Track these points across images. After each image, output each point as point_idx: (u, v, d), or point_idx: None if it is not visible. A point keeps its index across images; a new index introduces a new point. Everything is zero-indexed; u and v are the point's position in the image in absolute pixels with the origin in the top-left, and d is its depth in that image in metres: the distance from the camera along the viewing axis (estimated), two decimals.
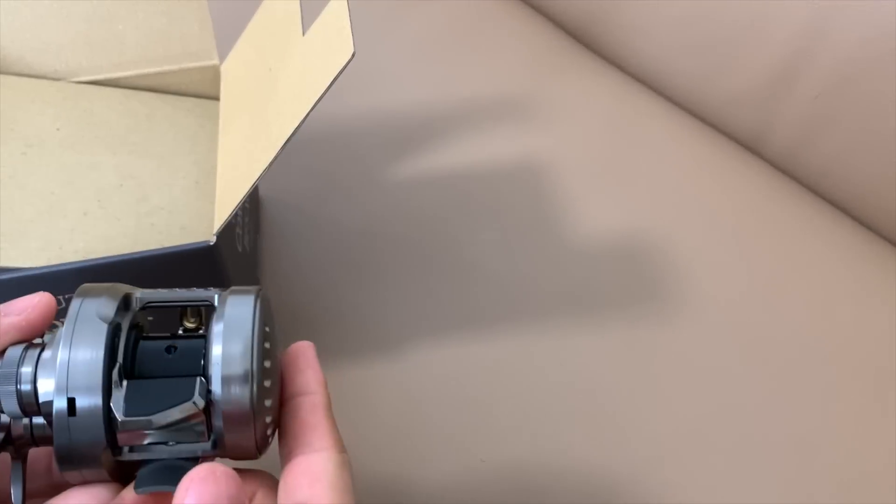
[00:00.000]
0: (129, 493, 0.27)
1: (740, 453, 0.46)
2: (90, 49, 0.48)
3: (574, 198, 0.56)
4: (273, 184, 0.54)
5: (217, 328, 0.28)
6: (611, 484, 0.45)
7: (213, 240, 0.40)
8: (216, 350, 0.27)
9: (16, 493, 0.28)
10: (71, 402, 0.26)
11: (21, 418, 0.27)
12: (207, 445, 0.28)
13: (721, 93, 0.60)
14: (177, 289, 0.30)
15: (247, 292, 0.29)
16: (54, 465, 0.30)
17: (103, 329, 0.27)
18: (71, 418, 0.26)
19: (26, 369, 0.27)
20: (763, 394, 0.48)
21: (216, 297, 0.29)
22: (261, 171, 0.38)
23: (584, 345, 0.50)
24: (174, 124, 0.48)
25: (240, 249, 0.46)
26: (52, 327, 0.30)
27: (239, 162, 0.42)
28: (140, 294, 0.29)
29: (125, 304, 0.28)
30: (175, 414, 0.26)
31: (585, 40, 0.67)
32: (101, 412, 0.26)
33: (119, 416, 0.26)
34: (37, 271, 0.39)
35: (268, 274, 0.52)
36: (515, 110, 0.61)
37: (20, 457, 0.28)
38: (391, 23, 0.65)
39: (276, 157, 0.37)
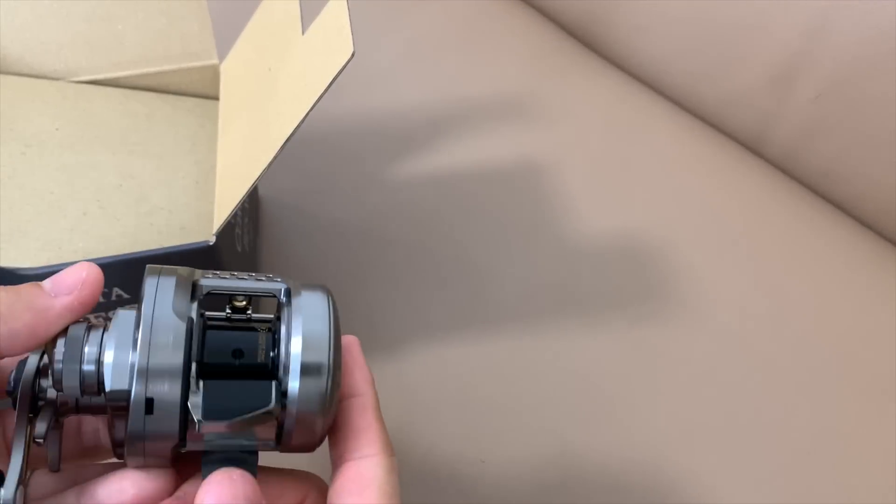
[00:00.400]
0: (190, 486, 0.28)
1: (741, 453, 0.46)
2: (90, 49, 0.48)
3: (574, 198, 0.56)
4: (273, 184, 0.54)
5: (295, 326, 0.28)
6: (611, 483, 0.45)
7: (213, 240, 0.40)
8: (295, 350, 0.27)
9: (52, 456, 0.28)
10: (149, 402, 0.26)
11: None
12: (272, 442, 0.28)
13: (721, 93, 0.60)
14: (237, 273, 0.30)
15: (319, 289, 0.29)
16: (84, 429, 0.31)
17: (181, 328, 0.26)
18: (147, 416, 0.26)
19: (91, 349, 0.27)
20: (763, 393, 0.48)
21: (283, 289, 0.29)
22: (260, 171, 0.38)
23: (584, 345, 0.50)
24: (174, 124, 0.48)
25: (239, 249, 0.46)
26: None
27: (238, 162, 0.42)
28: (204, 281, 0.29)
29: (193, 292, 0.28)
30: (252, 420, 0.26)
31: (586, 40, 0.67)
32: (178, 413, 0.26)
33: (197, 418, 0.26)
34: (36, 271, 0.39)
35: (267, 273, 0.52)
36: (515, 110, 0.61)
37: (59, 424, 0.28)
38: (391, 23, 0.65)
39: (275, 157, 0.37)
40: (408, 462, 0.45)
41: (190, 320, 0.27)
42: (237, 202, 0.39)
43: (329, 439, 0.30)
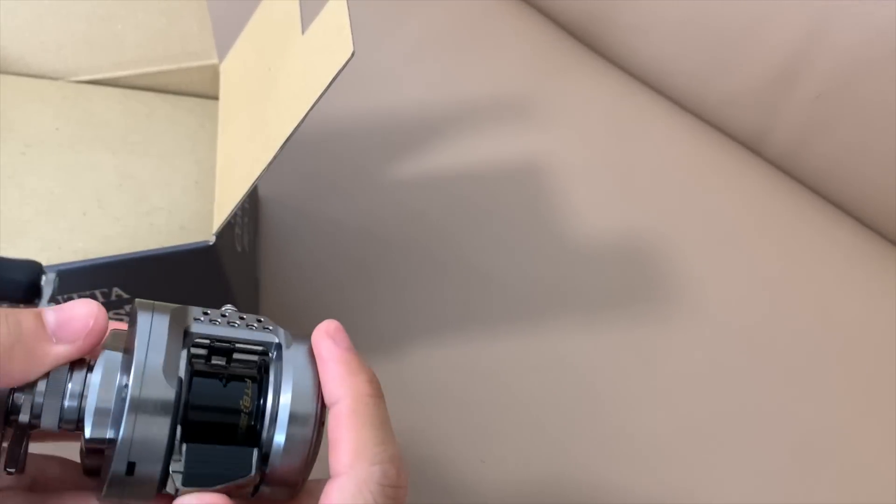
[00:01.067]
0: None
1: (741, 452, 0.46)
2: (89, 48, 0.48)
3: (574, 198, 0.56)
4: (272, 184, 0.54)
5: (285, 391, 0.27)
6: (611, 483, 0.45)
7: (213, 240, 0.40)
8: (283, 417, 0.27)
9: (14, 457, 0.27)
10: (131, 465, 0.26)
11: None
12: (248, 494, 0.28)
13: (722, 92, 0.60)
14: (229, 315, 0.29)
15: (307, 341, 0.29)
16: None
17: (170, 396, 0.26)
18: (128, 476, 0.26)
19: (74, 387, 0.27)
20: (763, 393, 0.48)
21: (274, 344, 0.29)
22: (260, 171, 0.38)
23: (584, 345, 0.50)
24: (174, 124, 0.48)
25: (239, 249, 0.46)
26: None
27: (238, 161, 0.42)
28: (196, 328, 0.28)
29: (185, 337, 0.28)
30: (230, 487, 0.26)
31: (586, 40, 0.67)
32: (158, 478, 0.26)
33: (176, 485, 0.26)
34: None
35: (267, 274, 0.52)
36: (515, 110, 0.61)
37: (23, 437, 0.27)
38: (391, 23, 0.65)
39: (275, 157, 0.37)
40: (408, 462, 0.45)
41: (179, 382, 0.26)
42: (237, 202, 0.39)
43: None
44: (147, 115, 0.48)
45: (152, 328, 0.27)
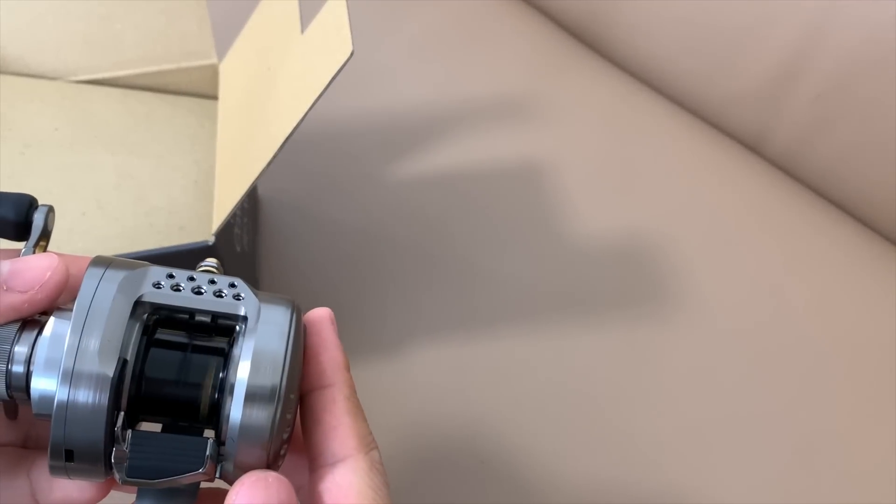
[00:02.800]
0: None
1: (741, 452, 0.46)
2: (89, 48, 0.48)
3: (574, 198, 0.56)
4: (272, 183, 0.54)
5: (246, 348, 0.24)
6: (611, 483, 0.45)
7: (212, 240, 0.40)
8: (239, 392, 0.24)
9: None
10: (69, 452, 0.24)
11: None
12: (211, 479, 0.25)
13: (722, 92, 0.60)
14: (197, 278, 0.26)
15: (282, 303, 0.26)
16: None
17: (106, 376, 0.23)
18: (69, 462, 0.24)
19: (20, 349, 0.25)
20: (763, 392, 0.48)
21: (241, 316, 0.25)
22: (259, 171, 0.38)
23: (584, 345, 0.50)
24: (173, 124, 0.48)
25: (238, 249, 0.46)
26: None
27: (238, 161, 0.42)
28: (149, 296, 0.25)
29: (135, 308, 0.25)
30: (179, 480, 0.24)
31: (586, 40, 0.66)
32: (102, 466, 0.24)
33: (119, 476, 0.24)
34: None
35: (266, 274, 0.52)
36: (515, 110, 0.61)
37: None
38: (391, 22, 0.65)
39: (274, 157, 0.37)
40: (408, 462, 0.45)
41: (122, 362, 0.24)
42: (236, 202, 0.39)
43: (303, 437, 0.27)
44: (146, 114, 0.48)
45: (97, 294, 0.24)
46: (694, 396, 0.48)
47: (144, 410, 0.25)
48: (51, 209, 0.28)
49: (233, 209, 0.39)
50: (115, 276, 0.25)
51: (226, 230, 0.41)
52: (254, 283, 0.51)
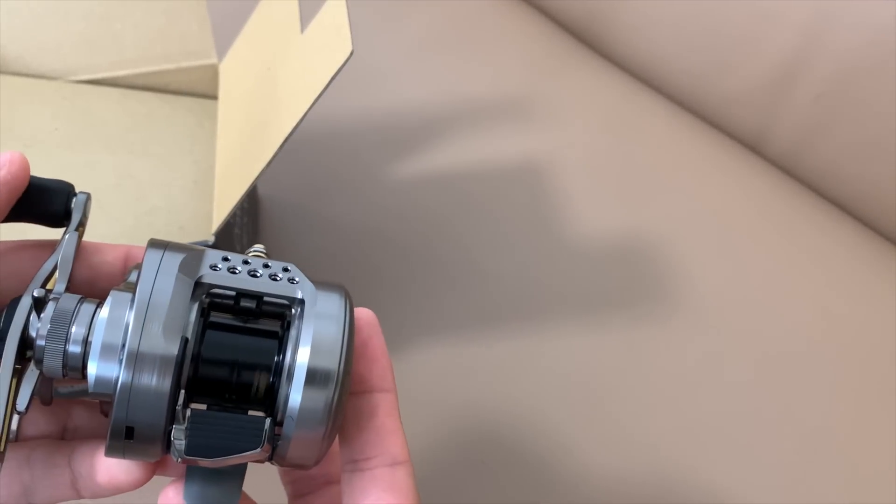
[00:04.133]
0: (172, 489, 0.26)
1: (741, 452, 0.46)
2: (88, 48, 0.48)
3: (574, 198, 0.56)
4: (272, 183, 0.54)
5: (304, 345, 0.25)
6: (611, 483, 0.45)
7: (212, 239, 0.40)
8: (299, 375, 0.24)
9: (24, 396, 0.25)
10: (129, 430, 0.24)
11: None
12: (264, 459, 0.26)
13: (722, 92, 0.60)
14: (251, 261, 0.26)
15: (336, 290, 0.26)
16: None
17: (171, 356, 0.24)
18: (128, 440, 0.24)
19: (78, 329, 0.25)
20: (763, 392, 0.48)
21: (297, 299, 0.26)
22: (259, 171, 0.38)
23: (584, 344, 0.50)
24: (173, 124, 0.48)
25: (238, 249, 0.46)
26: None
27: (237, 161, 0.42)
28: (208, 277, 0.25)
29: (194, 290, 0.25)
30: (236, 459, 0.24)
31: (586, 39, 0.66)
32: (160, 444, 0.24)
33: (178, 453, 0.24)
34: None
35: None
36: (515, 110, 0.61)
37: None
38: (391, 22, 0.65)
39: (274, 157, 0.37)
40: None
41: (184, 341, 0.24)
42: (236, 202, 0.39)
43: (343, 439, 0.27)
44: (146, 114, 0.48)
45: (158, 274, 0.25)
46: (694, 396, 0.48)
47: (199, 391, 0.25)
48: (88, 197, 0.28)
49: (233, 209, 0.39)
50: (175, 258, 0.25)
51: (226, 230, 0.41)
52: None
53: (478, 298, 0.51)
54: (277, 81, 0.41)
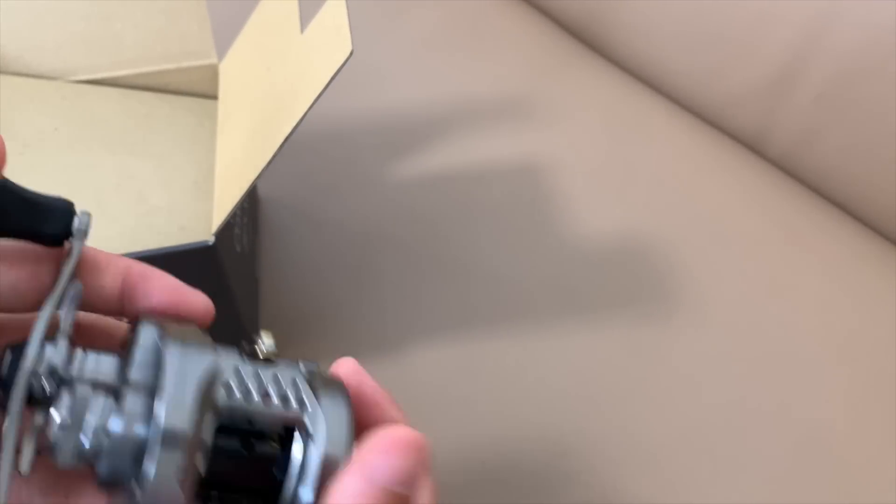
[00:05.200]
0: None
1: (741, 452, 0.46)
2: (88, 48, 0.48)
3: (574, 198, 0.56)
4: (272, 183, 0.54)
5: (310, 472, 0.25)
6: (611, 484, 0.45)
7: (212, 240, 0.40)
8: (313, 466, 0.25)
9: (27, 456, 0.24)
10: None
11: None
12: None
13: (722, 92, 0.60)
14: (266, 375, 0.26)
15: (341, 407, 0.26)
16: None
17: (197, 472, 0.24)
18: None
19: (92, 419, 0.24)
20: (763, 392, 0.48)
21: (308, 421, 0.26)
22: (259, 171, 0.38)
23: (584, 345, 0.50)
24: (173, 124, 0.48)
25: (238, 249, 0.46)
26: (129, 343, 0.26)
27: (237, 161, 0.42)
28: (226, 401, 0.25)
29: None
30: None
31: (586, 39, 0.66)
32: None
33: None
34: None
35: (266, 274, 0.52)
36: (515, 110, 0.61)
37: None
38: (391, 22, 0.65)
39: (274, 157, 0.37)
40: None
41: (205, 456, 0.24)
42: (236, 202, 0.39)
43: None
44: (146, 114, 0.48)
45: (178, 385, 0.24)
46: (694, 396, 0.48)
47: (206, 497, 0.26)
48: (89, 216, 0.28)
49: (233, 209, 0.39)
50: (195, 370, 0.25)
51: (226, 230, 0.41)
52: (254, 283, 0.51)
53: (477, 298, 0.51)
54: (277, 81, 0.41)
